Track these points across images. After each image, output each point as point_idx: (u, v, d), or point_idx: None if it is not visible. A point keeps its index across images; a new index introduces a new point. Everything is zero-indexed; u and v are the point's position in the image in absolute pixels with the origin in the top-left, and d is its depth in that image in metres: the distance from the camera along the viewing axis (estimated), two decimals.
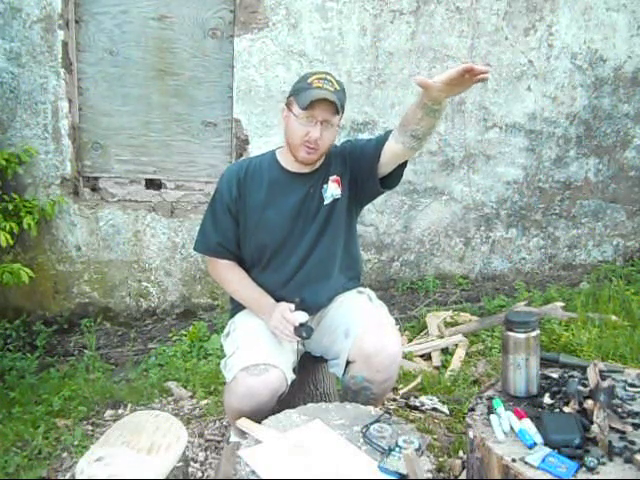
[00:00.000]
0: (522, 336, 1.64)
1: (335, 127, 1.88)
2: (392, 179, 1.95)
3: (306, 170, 1.97)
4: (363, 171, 1.94)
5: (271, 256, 1.97)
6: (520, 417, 1.52)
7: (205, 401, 2.68)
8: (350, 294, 2.06)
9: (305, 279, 1.97)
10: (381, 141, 1.88)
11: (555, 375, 1.76)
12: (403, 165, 1.93)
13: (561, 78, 4.02)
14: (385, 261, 4.07)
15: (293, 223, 1.95)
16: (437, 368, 3.02)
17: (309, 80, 1.85)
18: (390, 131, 1.88)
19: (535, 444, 1.42)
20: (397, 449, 1.47)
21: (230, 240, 1.99)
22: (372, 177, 1.92)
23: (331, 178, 1.97)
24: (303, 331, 1.81)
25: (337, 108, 1.82)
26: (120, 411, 2.65)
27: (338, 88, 1.85)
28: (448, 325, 3.43)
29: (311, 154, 1.87)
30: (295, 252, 1.96)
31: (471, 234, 4.15)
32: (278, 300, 1.93)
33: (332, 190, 1.96)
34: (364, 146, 1.96)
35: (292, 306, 1.86)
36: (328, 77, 1.86)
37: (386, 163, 1.89)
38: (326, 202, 1.95)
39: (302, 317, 1.83)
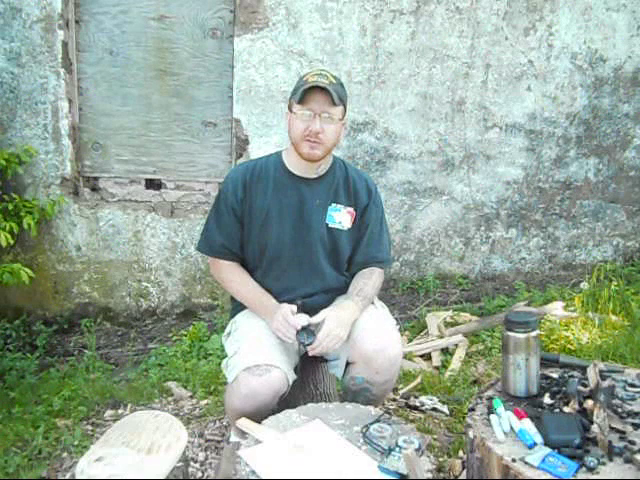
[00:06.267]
0: (522, 336, 1.63)
1: (338, 122, 1.88)
2: None
3: (313, 175, 1.96)
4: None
5: (272, 260, 1.97)
6: (520, 417, 1.52)
7: (205, 401, 2.68)
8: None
9: (306, 285, 1.97)
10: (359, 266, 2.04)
11: (555, 375, 1.75)
12: None
13: (561, 78, 4.02)
14: None
15: (295, 230, 1.94)
16: (437, 368, 3.02)
17: (304, 77, 1.88)
18: (369, 269, 2.03)
19: (535, 444, 1.42)
20: (397, 449, 1.47)
21: (234, 241, 1.99)
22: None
23: (348, 209, 1.99)
24: (305, 334, 1.80)
25: (333, 98, 1.81)
26: (120, 411, 2.65)
27: (334, 81, 1.86)
28: (448, 325, 3.43)
29: (314, 149, 1.86)
30: (296, 258, 1.96)
31: (471, 234, 4.15)
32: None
33: (343, 219, 1.98)
34: (364, 240, 2.03)
35: (294, 308, 1.85)
36: (323, 72, 1.89)
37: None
38: (331, 225, 1.97)
39: (304, 320, 1.82)
